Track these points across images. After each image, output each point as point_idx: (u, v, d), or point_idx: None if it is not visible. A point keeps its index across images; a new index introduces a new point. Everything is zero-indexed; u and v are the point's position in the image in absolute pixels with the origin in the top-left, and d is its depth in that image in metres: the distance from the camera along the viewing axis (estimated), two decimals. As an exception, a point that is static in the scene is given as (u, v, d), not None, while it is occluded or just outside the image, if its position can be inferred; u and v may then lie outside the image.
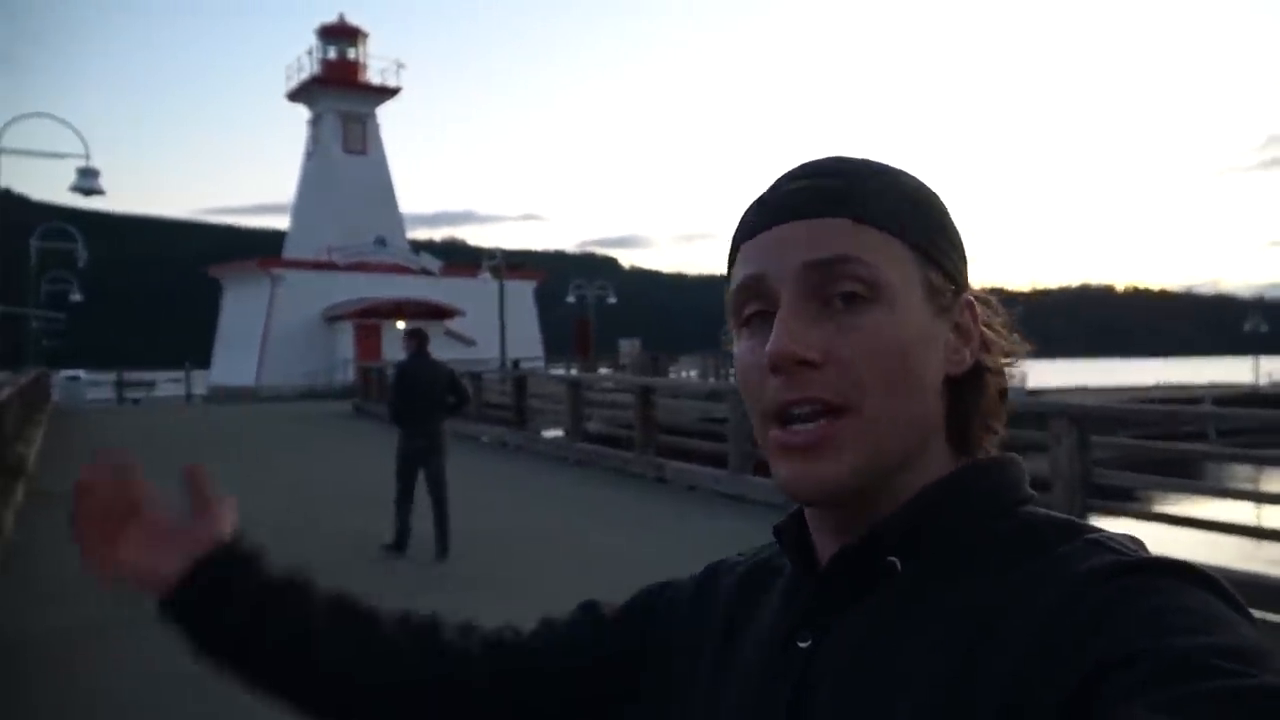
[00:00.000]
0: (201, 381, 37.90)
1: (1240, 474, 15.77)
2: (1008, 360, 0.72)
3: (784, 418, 0.64)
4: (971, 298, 0.70)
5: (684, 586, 0.84)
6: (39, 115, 16.80)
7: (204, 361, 39.78)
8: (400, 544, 7.58)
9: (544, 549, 7.93)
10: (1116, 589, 0.54)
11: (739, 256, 0.69)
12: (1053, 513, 0.64)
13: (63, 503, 0.80)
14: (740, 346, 0.68)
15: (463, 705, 0.81)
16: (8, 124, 15.68)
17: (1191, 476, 13.12)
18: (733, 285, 0.69)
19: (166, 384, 37.41)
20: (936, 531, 0.65)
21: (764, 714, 0.67)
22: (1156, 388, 32.37)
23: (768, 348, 0.63)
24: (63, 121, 15.73)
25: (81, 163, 14.87)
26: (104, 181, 15.15)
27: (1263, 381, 35.23)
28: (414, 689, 0.81)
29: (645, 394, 12.52)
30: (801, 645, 0.66)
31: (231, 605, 0.78)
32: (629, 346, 32.36)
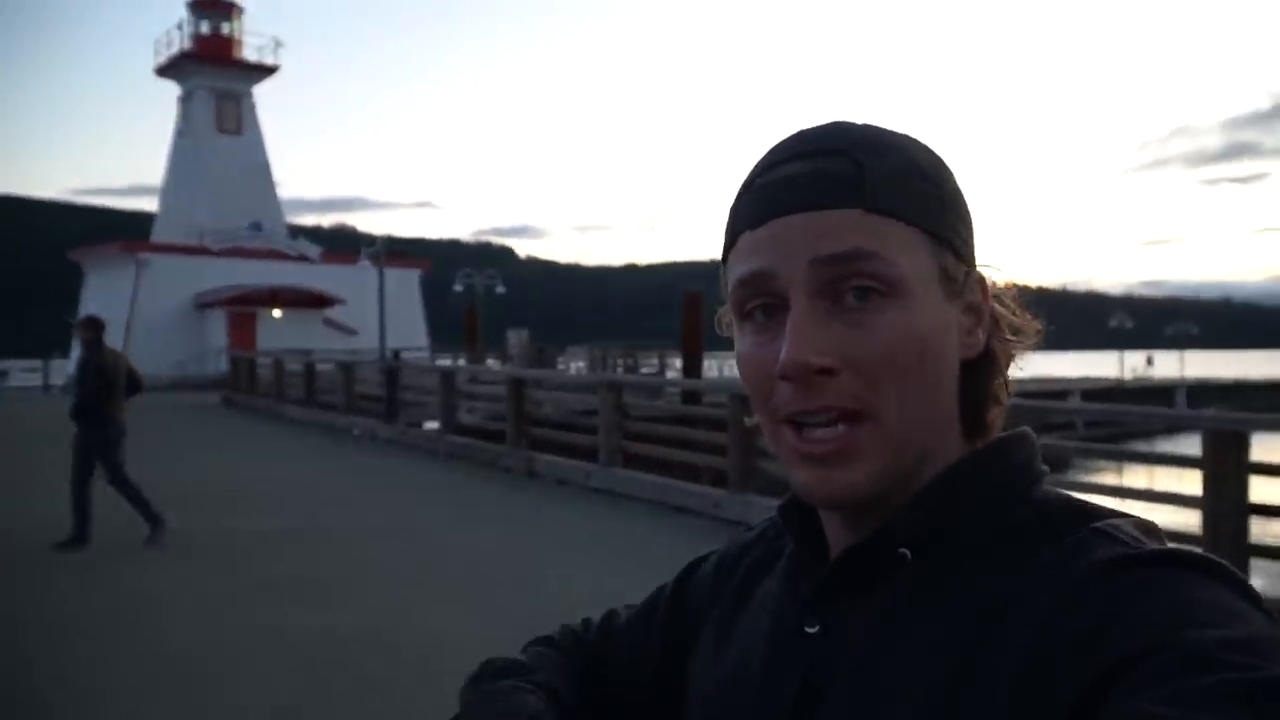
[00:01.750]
0: (62, 372, 35.89)
1: (1105, 469, 16.22)
2: (1016, 336, 0.69)
3: (798, 424, 0.62)
4: (982, 274, 0.67)
5: (709, 563, 0.83)
6: None
7: (68, 351, 37.73)
8: (80, 536, 7.35)
9: (383, 545, 7.57)
10: (1124, 584, 0.53)
11: (739, 246, 0.65)
12: (1065, 494, 0.63)
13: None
14: (743, 341, 0.65)
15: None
16: None
17: (1059, 471, 13.47)
18: (733, 277, 0.64)
19: (22, 374, 35.19)
20: (947, 522, 0.63)
21: (771, 698, 0.66)
22: (1033, 380, 33.37)
23: (781, 357, 0.60)
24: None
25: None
26: None
27: (1127, 375, 36.70)
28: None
29: (517, 386, 12.13)
30: (809, 631, 0.66)
31: None
32: (516, 337, 31.90)
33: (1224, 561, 0.54)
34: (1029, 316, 0.70)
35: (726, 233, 0.67)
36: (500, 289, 37.73)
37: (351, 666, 4.74)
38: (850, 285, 0.60)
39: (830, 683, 0.63)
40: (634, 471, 10.04)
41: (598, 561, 6.94)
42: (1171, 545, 0.56)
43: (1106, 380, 34.48)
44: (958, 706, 0.55)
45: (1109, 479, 14.26)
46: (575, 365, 29.66)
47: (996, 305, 0.68)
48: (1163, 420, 14.85)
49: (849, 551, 0.65)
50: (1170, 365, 40.38)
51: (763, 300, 0.63)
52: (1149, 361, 41.53)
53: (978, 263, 0.67)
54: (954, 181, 0.66)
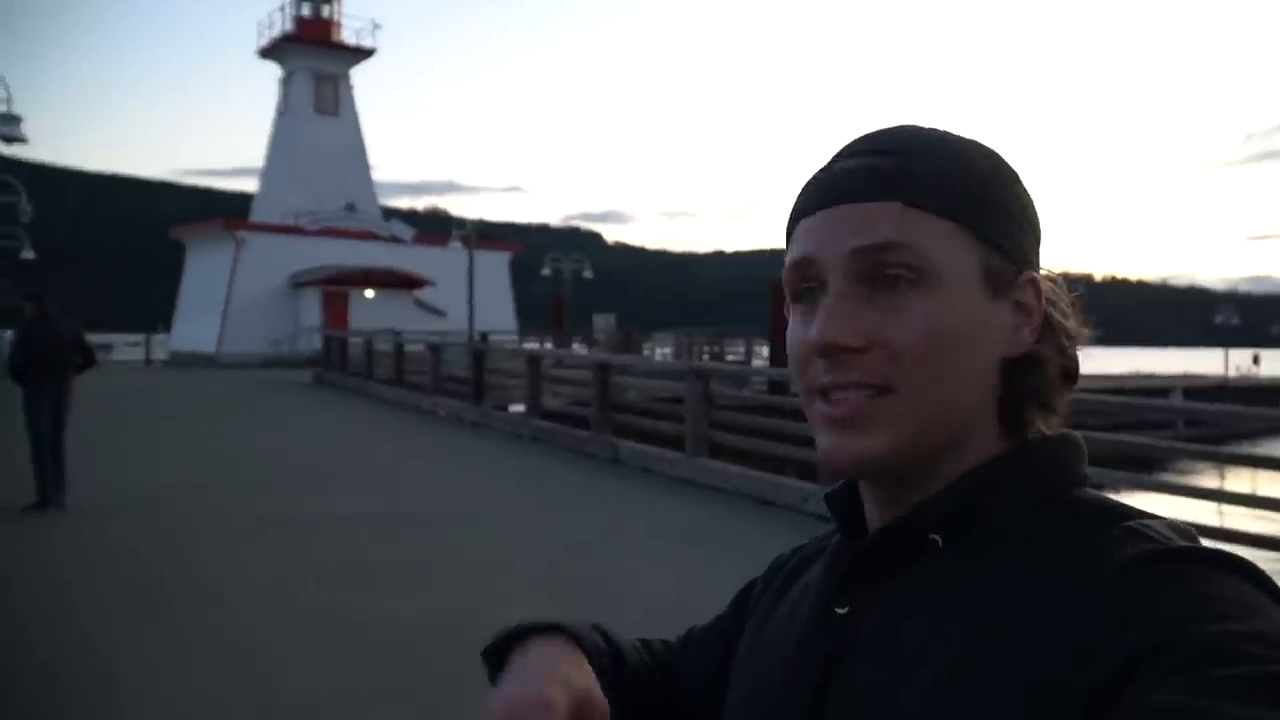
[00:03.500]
0: (164, 347, 37.17)
1: (1206, 471, 15.62)
2: (1071, 341, 0.71)
3: (827, 396, 0.66)
4: (1036, 276, 0.69)
5: (768, 571, 0.87)
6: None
7: (170, 326, 39.05)
8: (43, 501, 8.07)
9: (461, 531, 7.55)
10: (1149, 578, 0.54)
11: (795, 234, 0.70)
12: (1103, 496, 0.65)
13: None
14: (791, 322, 0.70)
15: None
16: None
17: (1155, 472, 12.99)
18: (787, 262, 0.70)
19: (126, 348, 36.49)
20: (979, 513, 0.65)
21: (796, 677, 0.69)
22: (1131, 376, 32.33)
23: (813, 335, 0.65)
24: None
25: (2, 108, 14.17)
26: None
27: (1232, 373, 35.27)
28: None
29: (603, 371, 12.13)
30: (839, 611, 0.69)
31: None
32: (603, 322, 31.98)
33: (1249, 560, 0.55)
34: (1082, 324, 0.72)
35: (788, 223, 0.73)
36: (587, 273, 37.89)
37: (420, 657, 4.70)
38: (884, 273, 0.64)
39: (851, 660, 0.66)
40: (720, 462, 9.96)
41: (681, 557, 6.80)
42: (1199, 544, 0.57)
43: (1210, 378, 33.21)
44: (973, 688, 0.56)
45: (1208, 482, 13.74)
46: (661, 352, 29.60)
47: (1051, 309, 0.70)
48: (1269, 421, 14.18)
49: (879, 534, 0.68)
50: (1278, 365, 38.62)
51: (808, 284, 0.68)
52: (1255, 360, 39.78)
53: (1040, 267, 0.70)
54: (1010, 185, 0.69)
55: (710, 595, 1.01)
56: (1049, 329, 0.69)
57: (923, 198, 0.65)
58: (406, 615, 5.33)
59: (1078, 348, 0.72)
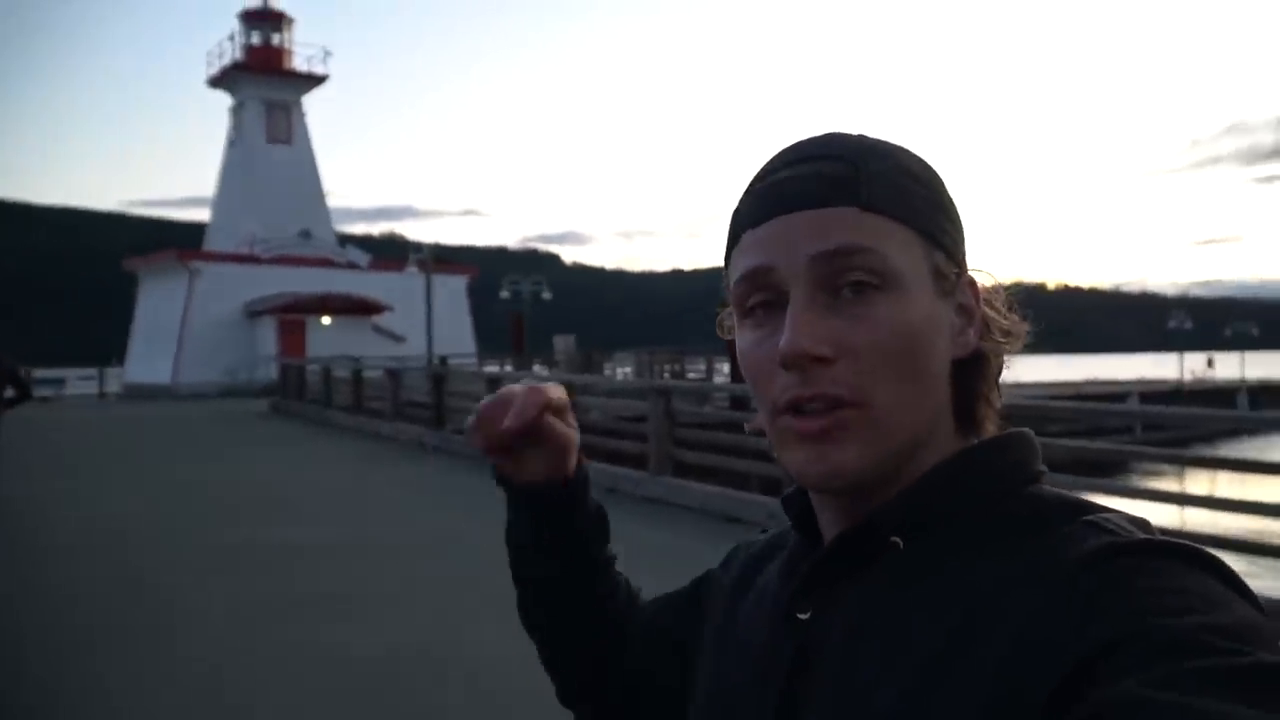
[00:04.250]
0: (118, 379, 36.55)
1: (1166, 473, 15.78)
2: (1006, 339, 0.71)
3: (796, 410, 0.64)
4: (972, 276, 0.70)
5: (724, 561, 0.89)
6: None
7: (124, 359, 38.43)
8: None
9: (428, 557, 7.41)
10: (1110, 572, 0.54)
11: (741, 245, 0.69)
12: (1060, 491, 0.64)
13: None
14: (745, 337, 0.68)
15: (604, 652, 0.91)
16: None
17: (1115, 476, 13.09)
18: (735, 275, 0.68)
19: (79, 382, 35.78)
20: (938, 513, 0.65)
21: (762, 683, 0.69)
22: (1088, 383, 32.77)
23: (781, 346, 0.63)
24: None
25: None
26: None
27: (1186, 377, 35.85)
28: (610, 636, 0.91)
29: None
30: (801, 617, 0.68)
31: (581, 513, 0.86)
32: (563, 343, 31.89)
33: (1211, 552, 0.55)
34: (1018, 320, 0.72)
35: (729, 234, 0.71)
36: (546, 295, 37.78)
37: (396, 687, 4.60)
38: (846, 280, 0.64)
39: (818, 665, 0.65)
40: (684, 480, 9.88)
41: (650, 574, 6.68)
42: (1160, 536, 0.57)
43: (1166, 382, 33.73)
44: (940, 687, 0.56)
45: (1169, 485, 13.88)
46: (622, 371, 29.54)
47: (987, 308, 0.70)
48: (1226, 422, 14.36)
49: (839, 538, 0.67)
50: (1231, 367, 39.33)
51: (763, 295, 0.66)
52: (1209, 363, 40.46)
53: (969, 266, 0.70)
54: (945, 187, 0.70)
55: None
56: (985, 327, 0.70)
57: (875, 202, 0.65)
58: (376, 643, 5.21)
59: (1016, 345, 0.72)
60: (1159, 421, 21.15)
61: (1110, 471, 13.78)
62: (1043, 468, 0.68)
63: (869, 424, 0.63)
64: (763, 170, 0.70)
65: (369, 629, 5.51)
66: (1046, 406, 11.61)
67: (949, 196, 0.70)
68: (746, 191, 0.70)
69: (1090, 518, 0.59)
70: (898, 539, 0.65)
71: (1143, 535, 0.57)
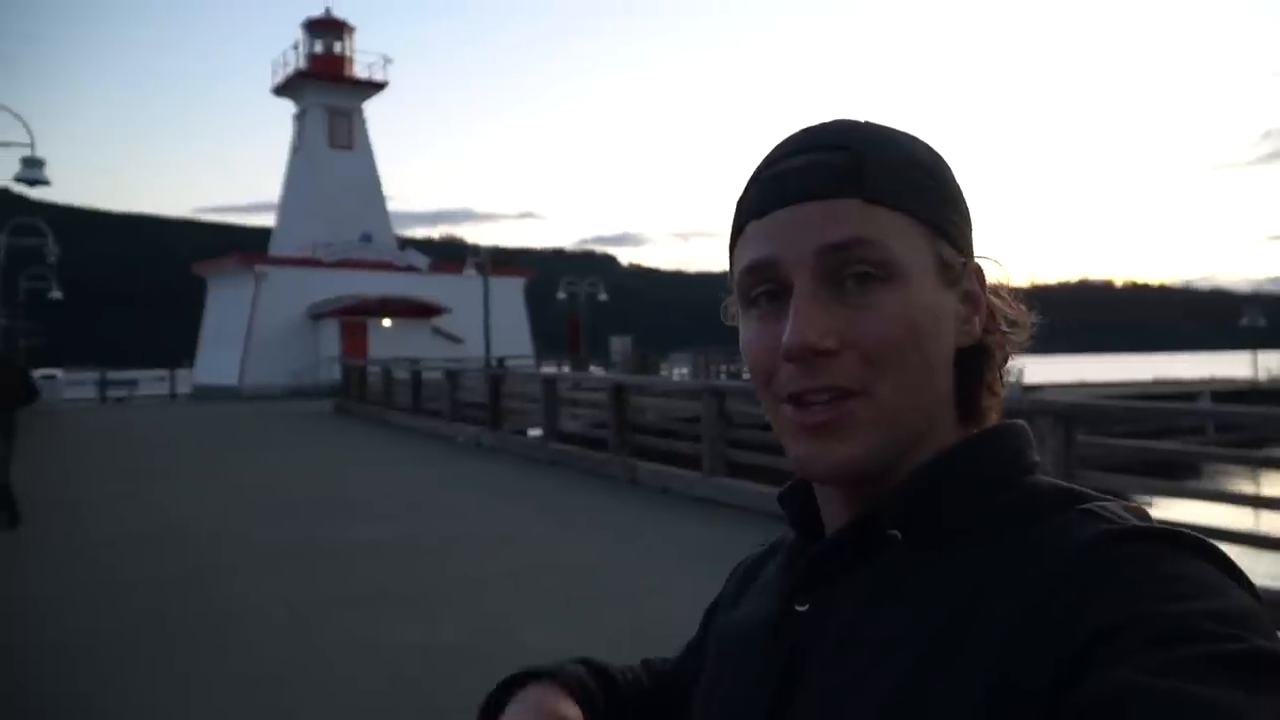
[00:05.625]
0: (187, 381, 37.45)
1: (1238, 475, 15.31)
2: (1012, 328, 0.72)
3: (800, 402, 0.64)
4: (979, 264, 0.70)
5: (726, 583, 0.87)
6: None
7: (193, 361, 39.36)
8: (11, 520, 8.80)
9: (482, 555, 7.44)
10: (1107, 559, 0.54)
11: (745, 235, 0.68)
12: (1056, 481, 0.65)
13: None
14: (749, 327, 0.68)
15: None
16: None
17: (1187, 478, 12.73)
18: (740, 265, 0.68)
19: (151, 383, 36.77)
20: (937, 504, 0.65)
21: (761, 676, 0.69)
22: (1156, 383, 31.93)
23: (785, 339, 0.63)
24: (4, 108, 15.10)
25: (25, 152, 14.30)
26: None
27: (1261, 376, 34.76)
28: None
29: (618, 392, 12.03)
30: (800, 610, 0.68)
31: None
32: (620, 344, 31.94)
33: (1208, 539, 0.55)
34: (1024, 310, 0.72)
35: (733, 224, 0.70)
36: (603, 296, 37.91)
37: (446, 684, 4.63)
38: (850, 271, 0.63)
39: (814, 656, 0.65)
40: (738, 480, 9.83)
41: (701, 576, 6.70)
42: (1156, 523, 0.57)
43: (1239, 381, 32.73)
44: (940, 675, 0.56)
45: (1242, 487, 13.46)
46: (678, 371, 29.50)
47: (993, 298, 0.70)
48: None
49: (839, 532, 0.67)
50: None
51: (767, 287, 0.66)
52: (1286, 362, 39.11)
53: (975, 255, 0.70)
54: (952, 176, 0.69)
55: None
56: (990, 317, 0.70)
57: (879, 192, 0.64)
58: (430, 642, 5.25)
59: (1022, 335, 0.72)
60: (1232, 421, 20.54)
61: (1180, 473, 13.41)
62: (1037, 458, 0.67)
63: (873, 415, 0.63)
64: (767, 159, 0.69)
65: (424, 626, 5.54)
66: (1111, 406, 11.32)
67: (955, 184, 0.69)
68: (751, 180, 0.69)
69: (1087, 506, 0.60)
70: (896, 531, 0.65)
71: (1139, 523, 0.57)
